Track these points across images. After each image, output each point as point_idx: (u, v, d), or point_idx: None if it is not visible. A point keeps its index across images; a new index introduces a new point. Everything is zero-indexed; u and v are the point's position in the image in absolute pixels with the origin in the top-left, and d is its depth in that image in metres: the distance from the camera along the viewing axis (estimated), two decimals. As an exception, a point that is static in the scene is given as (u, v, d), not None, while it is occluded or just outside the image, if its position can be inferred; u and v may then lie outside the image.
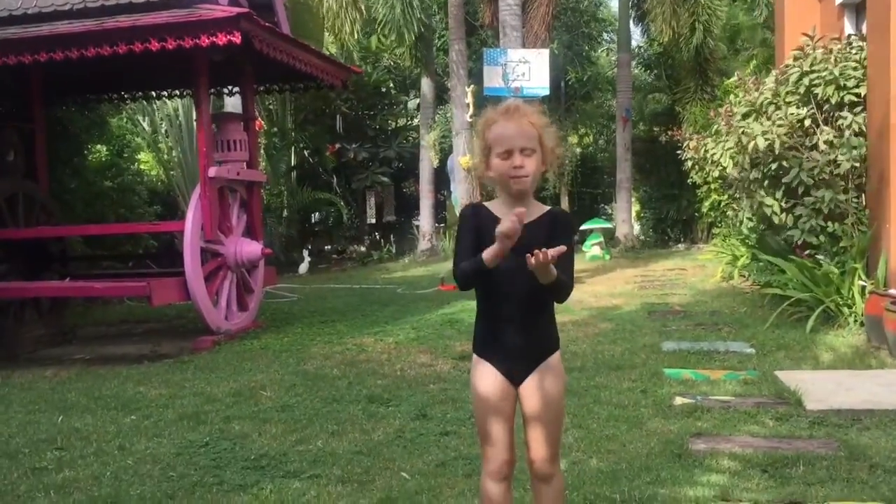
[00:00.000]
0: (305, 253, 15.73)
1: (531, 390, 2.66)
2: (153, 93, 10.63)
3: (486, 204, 2.68)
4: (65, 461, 4.31)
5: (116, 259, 11.34)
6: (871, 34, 7.25)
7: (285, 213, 16.80)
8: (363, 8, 15.51)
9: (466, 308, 9.04)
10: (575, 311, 8.39)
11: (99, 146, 13.00)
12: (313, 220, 19.30)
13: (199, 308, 7.67)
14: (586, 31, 20.69)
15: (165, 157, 15.42)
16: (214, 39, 6.77)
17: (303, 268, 15.13)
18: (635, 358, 6.24)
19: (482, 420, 2.70)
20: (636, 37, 20.90)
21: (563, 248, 2.39)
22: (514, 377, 2.66)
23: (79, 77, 8.91)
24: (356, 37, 15.08)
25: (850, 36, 8.38)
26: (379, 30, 17.47)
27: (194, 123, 13.37)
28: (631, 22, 18.21)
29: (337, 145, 17.91)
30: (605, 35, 23.54)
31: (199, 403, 5.42)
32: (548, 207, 2.69)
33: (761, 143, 7.47)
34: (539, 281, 2.46)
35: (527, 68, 11.67)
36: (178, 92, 10.62)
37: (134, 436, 4.74)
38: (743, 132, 7.92)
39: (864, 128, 7.23)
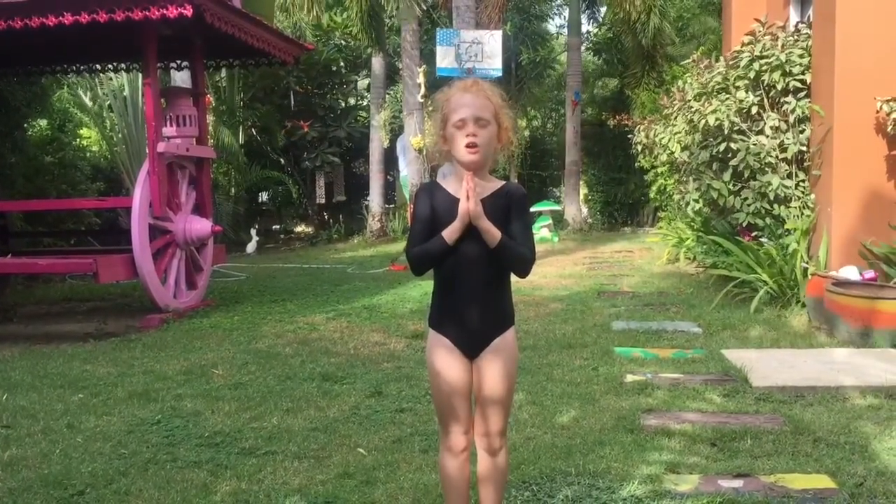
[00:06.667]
0: (253, 232, 15.55)
1: (487, 364, 2.67)
2: (98, 66, 10.35)
3: (440, 182, 2.68)
4: (12, 439, 4.21)
5: (58, 236, 11.06)
6: (818, 23, 7.41)
7: (233, 191, 16.56)
8: None
9: (418, 288, 9.05)
10: (526, 291, 8.46)
11: (40, 120, 12.63)
12: (261, 200, 19.06)
13: (147, 285, 7.54)
14: (537, 14, 20.70)
15: (109, 132, 15.04)
16: (165, 12, 6.63)
17: (250, 247, 14.96)
18: (586, 337, 6.33)
19: (440, 395, 2.70)
20: (587, 22, 21.02)
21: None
22: (471, 351, 2.68)
23: (20, 48, 8.61)
24: (314, 13, 14.81)
25: (797, 24, 8.57)
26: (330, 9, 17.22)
27: (141, 98, 13.10)
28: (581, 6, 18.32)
29: (289, 124, 17.69)
30: (556, 18, 23.61)
31: (148, 381, 5.34)
32: (503, 182, 2.71)
33: (711, 121, 7.62)
34: (489, 246, 2.52)
35: (479, 49, 11.66)
36: (124, 66, 10.35)
37: (82, 414, 4.64)
38: (696, 111, 8.05)
39: (807, 113, 7.40)
